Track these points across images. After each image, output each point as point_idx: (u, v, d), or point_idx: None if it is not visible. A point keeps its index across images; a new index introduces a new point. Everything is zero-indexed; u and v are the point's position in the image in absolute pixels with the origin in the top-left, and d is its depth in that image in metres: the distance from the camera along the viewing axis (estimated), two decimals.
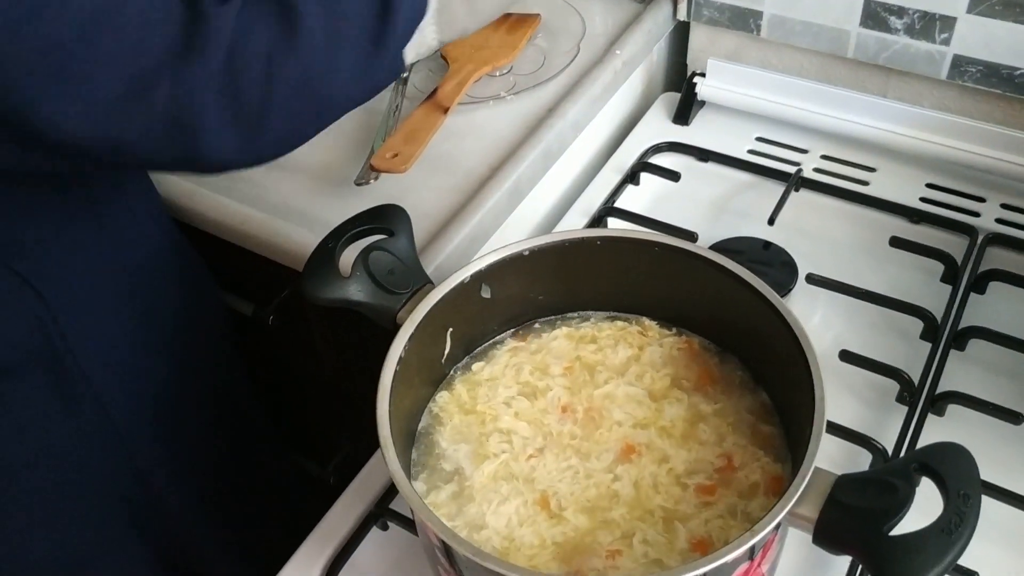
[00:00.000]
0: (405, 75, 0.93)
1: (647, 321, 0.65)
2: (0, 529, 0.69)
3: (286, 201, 0.83)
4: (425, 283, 0.60)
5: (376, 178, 0.78)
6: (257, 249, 0.81)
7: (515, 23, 0.98)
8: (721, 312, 0.61)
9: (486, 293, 0.61)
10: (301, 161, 0.84)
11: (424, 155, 0.82)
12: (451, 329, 0.61)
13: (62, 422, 0.68)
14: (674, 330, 0.64)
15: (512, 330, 0.66)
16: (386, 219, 0.61)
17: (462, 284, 0.60)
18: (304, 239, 0.78)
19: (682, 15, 0.97)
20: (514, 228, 0.85)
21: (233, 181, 0.84)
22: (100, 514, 0.74)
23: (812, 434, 0.48)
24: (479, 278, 0.60)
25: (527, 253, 0.61)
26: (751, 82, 0.95)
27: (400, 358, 0.55)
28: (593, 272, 0.63)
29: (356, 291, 0.58)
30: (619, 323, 0.65)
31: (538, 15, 0.99)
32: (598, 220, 0.85)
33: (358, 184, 0.78)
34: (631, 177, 0.90)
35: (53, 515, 0.71)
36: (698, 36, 0.98)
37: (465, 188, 0.82)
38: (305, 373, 1.03)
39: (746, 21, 0.93)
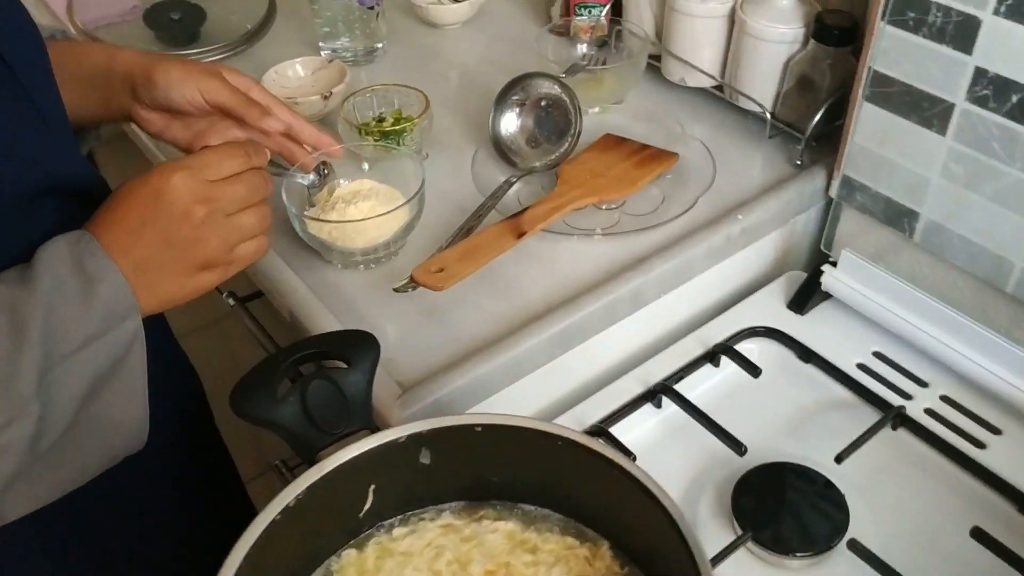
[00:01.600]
0: (514, 180, 0.89)
1: (603, 548, 0.55)
2: None
3: (337, 283, 0.81)
4: (361, 428, 0.55)
5: (414, 288, 0.74)
6: (291, 320, 0.80)
7: (648, 158, 0.91)
8: (661, 550, 0.50)
9: (425, 459, 0.55)
10: None
11: (485, 272, 0.77)
12: (374, 485, 0.55)
13: None
14: (627, 570, 0.55)
15: (458, 503, 0.59)
16: (349, 348, 0.57)
17: (395, 443, 0.54)
18: (328, 325, 0.75)
19: (833, 192, 0.86)
20: (550, 380, 0.78)
21: (298, 248, 0.83)
22: None
23: None
24: (418, 441, 0.54)
25: (480, 429, 0.54)
26: (886, 289, 0.82)
27: (288, 507, 0.50)
28: (556, 471, 0.55)
29: (283, 416, 0.54)
30: (570, 540, 0.56)
31: (676, 156, 0.91)
32: (651, 395, 0.76)
33: (396, 291, 0.74)
34: (711, 356, 0.80)
35: None
36: (845, 220, 0.86)
37: (511, 320, 0.76)
38: None
39: (900, 219, 0.80)
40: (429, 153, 0.95)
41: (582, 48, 1.06)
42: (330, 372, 0.55)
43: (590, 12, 1.07)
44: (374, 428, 0.56)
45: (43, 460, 0.53)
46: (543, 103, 0.92)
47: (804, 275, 0.88)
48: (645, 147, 0.93)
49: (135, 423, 0.57)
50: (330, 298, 0.79)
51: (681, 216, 0.85)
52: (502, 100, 0.92)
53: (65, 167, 0.61)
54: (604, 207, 0.87)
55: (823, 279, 0.85)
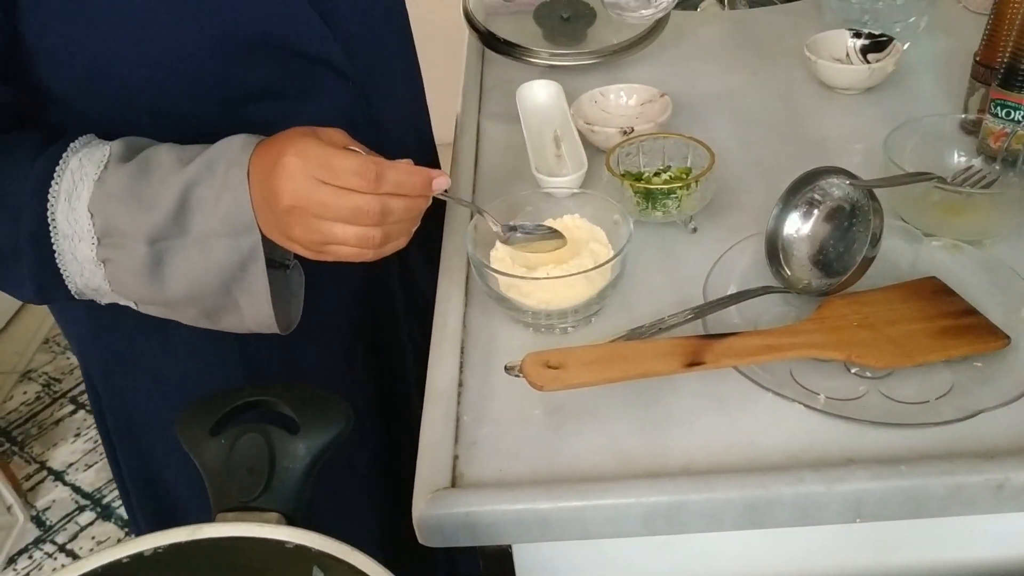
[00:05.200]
0: (771, 291, 0.69)
1: None
2: None
3: (496, 331, 0.70)
4: (275, 511, 0.46)
5: (519, 375, 0.60)
6: None
7: (963, 329, 0.64)
8: None
9: None
10: None
11: (647, 390, 0.62)
12: None
13: None
14: None
15: None
16: (306, 413, 0.47)
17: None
18: (442, 367, 0.66)
19: None
20: (632, 558, 0.59)
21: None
22: None
23: None
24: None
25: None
26: None
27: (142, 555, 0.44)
28: None
29: (204, 456, 0.47)
30: None
31: (1005, 340, 0.63)
32: None
33: (506, 370, 0.61)
34: None
35: None
36: None
37: (635, 462, 0.59)
38: None
39: None
40: (698, 227, 0.78)
41: (966, 157, 0.79)
42: (271, 431, 0.47)
43: (1008, 114, 0.79)
44: (294, 518, 0.46)
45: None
46: (846, 211, 0.70)
47: None
48: (971, 312, 0.66)
49: (261, 322, 0.63)
50: (473, 343, 0.69)
51: (950, 424, 0.58)
52: (793, 194, 0.72)
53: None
54: (853, 370, 0.63)
55: None
